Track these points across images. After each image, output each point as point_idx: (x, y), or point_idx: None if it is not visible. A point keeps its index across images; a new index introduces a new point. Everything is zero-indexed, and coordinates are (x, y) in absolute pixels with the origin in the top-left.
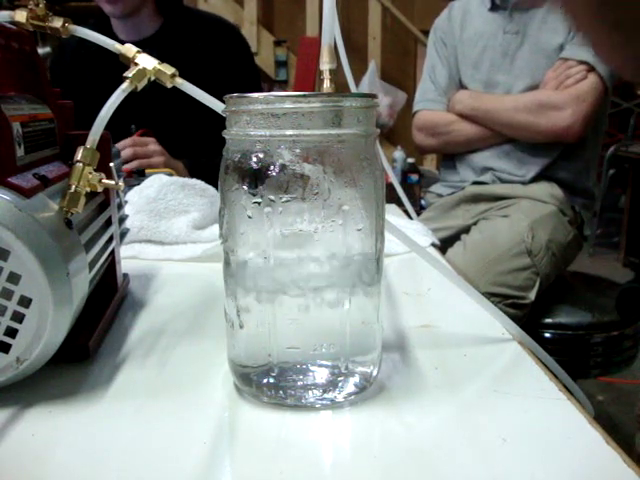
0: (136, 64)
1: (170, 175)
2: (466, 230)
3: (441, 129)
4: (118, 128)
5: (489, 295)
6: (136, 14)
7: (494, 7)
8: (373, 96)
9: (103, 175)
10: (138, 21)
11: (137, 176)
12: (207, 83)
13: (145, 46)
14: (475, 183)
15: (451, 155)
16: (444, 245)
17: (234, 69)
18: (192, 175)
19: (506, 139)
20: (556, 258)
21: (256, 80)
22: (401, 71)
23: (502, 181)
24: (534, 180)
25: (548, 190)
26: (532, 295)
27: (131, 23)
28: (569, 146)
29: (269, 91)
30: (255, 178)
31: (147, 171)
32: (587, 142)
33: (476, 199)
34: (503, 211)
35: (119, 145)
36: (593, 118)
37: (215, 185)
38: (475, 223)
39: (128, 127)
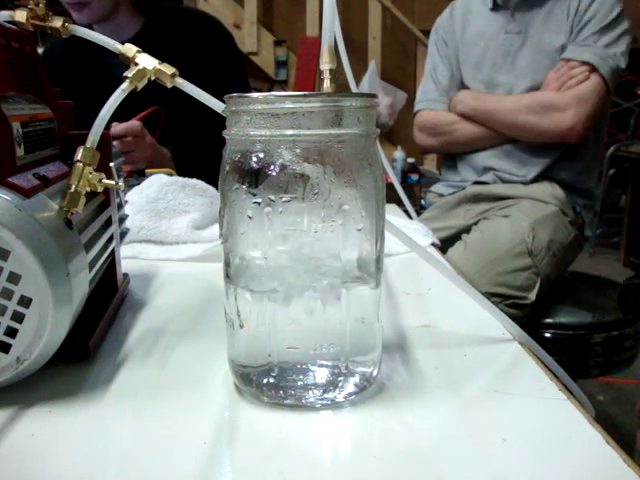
0: (136, 64)
1: (170, 175)
2: (467, 230)
3: (442, 129)
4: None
5: (489, 295)
6: (110, 19)
7: (496, 7)
8: (373, 96)
9: (103, 175)
10: (115, 24)
11: (137, 176)
12: (194, 79)
13: None
14: (476, 183)
15: (452, 155)
16: (445, 245)
17: (219, 62)
18: (176, 162)
19: (507, 139)
20: (557, 259)
21: (241, 71)
22: (401, 71)
23: (503, 181)
24: (535, 180)
25: (549, 190)
26: (532, 295)
27: (109, 27)
28: (570, 146)
29: (269, 91)
30: (255, 178)
31: (147, 171)
32: (588, 142)
33: (477, 199)
34: (504, 211)
35: (113, 130)
36: (595, 119)
37: (199, 177)
38: (476, 223)
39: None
